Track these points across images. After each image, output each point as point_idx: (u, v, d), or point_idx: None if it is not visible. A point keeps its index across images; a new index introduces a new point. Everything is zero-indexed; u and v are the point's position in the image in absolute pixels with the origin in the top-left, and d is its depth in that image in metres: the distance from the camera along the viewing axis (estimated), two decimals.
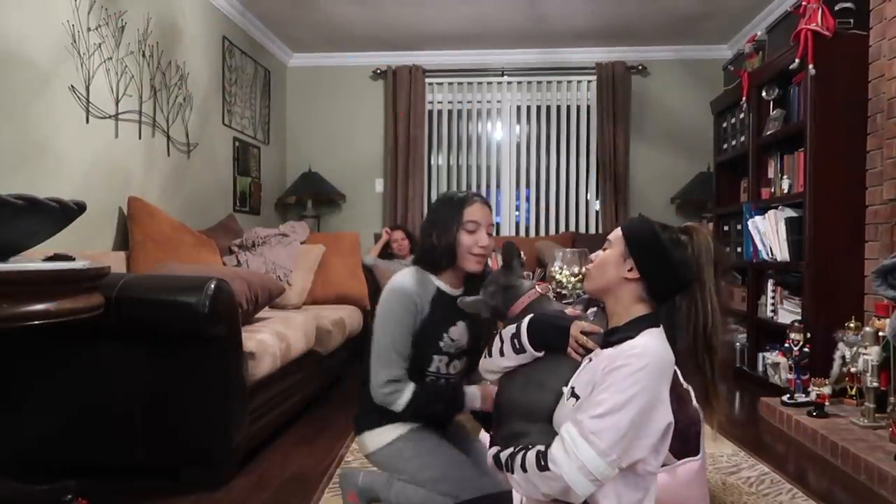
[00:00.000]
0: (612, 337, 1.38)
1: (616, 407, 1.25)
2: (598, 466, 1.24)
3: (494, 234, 1.95)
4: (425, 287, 1.76)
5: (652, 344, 1.32)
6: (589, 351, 1.42)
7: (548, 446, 1.30)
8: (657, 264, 1.36)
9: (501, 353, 1.51)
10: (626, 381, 1.26)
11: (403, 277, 1.78)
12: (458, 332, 1.77)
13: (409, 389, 1.71)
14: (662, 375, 1.29)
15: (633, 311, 1.39)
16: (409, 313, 1.72)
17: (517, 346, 1.47)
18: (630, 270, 1.38)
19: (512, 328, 1.51)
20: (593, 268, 1.45)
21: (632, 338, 1.33)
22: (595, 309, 1.59)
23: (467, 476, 1.72)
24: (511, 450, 1.36)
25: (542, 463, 1.27)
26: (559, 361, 1.46)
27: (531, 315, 1.50)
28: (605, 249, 1.44)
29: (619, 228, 1.44)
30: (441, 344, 1.75)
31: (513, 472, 1.34)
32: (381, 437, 1.79)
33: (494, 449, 1.42)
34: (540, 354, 1.46)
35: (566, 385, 1.41)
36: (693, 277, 1.35)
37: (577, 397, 1.34)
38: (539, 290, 1.60)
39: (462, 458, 1.78)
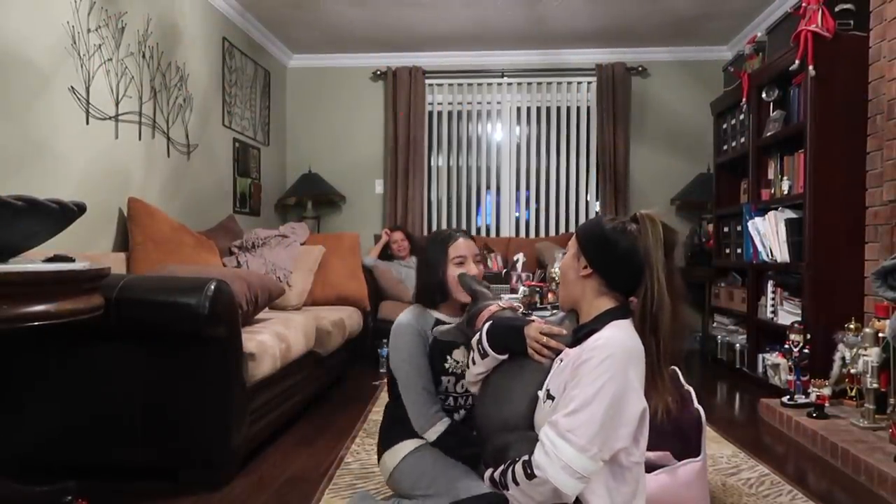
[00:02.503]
0: (580, 333, 1.42)
1: (587, 401, 1.26)
2: (580, 463, 1.25)
3: (483, 251, 2.13)
4: (425, 319, 1.91)
5: (615, 334, 1.35)
6: (555, 352, 1.45)
7: (531, 454, 1.31)
8: (605, 256, 1.42)
9: (474, 362, 1.57)
10: (592, 374, 1.28)
11: (402, 315, 1.93)
12: (461, 354, 1.87)
13: (441, 424, 1.84)
14: (629, 363, 1.31)
15: (600, 307, 1.43)
16: (417, 344, 1.86)
17: (481, 351, 1.54)
18: (585, 268, 1.43)
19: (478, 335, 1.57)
20: (559, 276, 1.52)
21: (597, 331, 1.37)
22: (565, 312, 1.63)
23: (465, 488, 1.75)
24: (502, 467, 1.37)
25: (529, 471, 1.29)
26: (522, 366, 1.49)
27: (491, 321, 1.57)
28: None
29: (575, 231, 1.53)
30: (447, 365, 1.87)
31: (508, 489, 1.35)
32: (398, 453, 1.88)
33: (489, 471, 1.44)
34: (503, 357, 1.52)
35: (535, 388, 1.44)
36: (643, 262, 1.38)
37: (553, 398, 1.36)
38: (501, 304, 1.67)
39: (466, 471, 1.82)
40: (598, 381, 1.27)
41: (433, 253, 1.92)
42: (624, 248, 1.40)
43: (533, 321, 1.53)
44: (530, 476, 1.28)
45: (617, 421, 1.28)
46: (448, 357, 1.87)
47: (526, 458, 1.31)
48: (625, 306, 1.42)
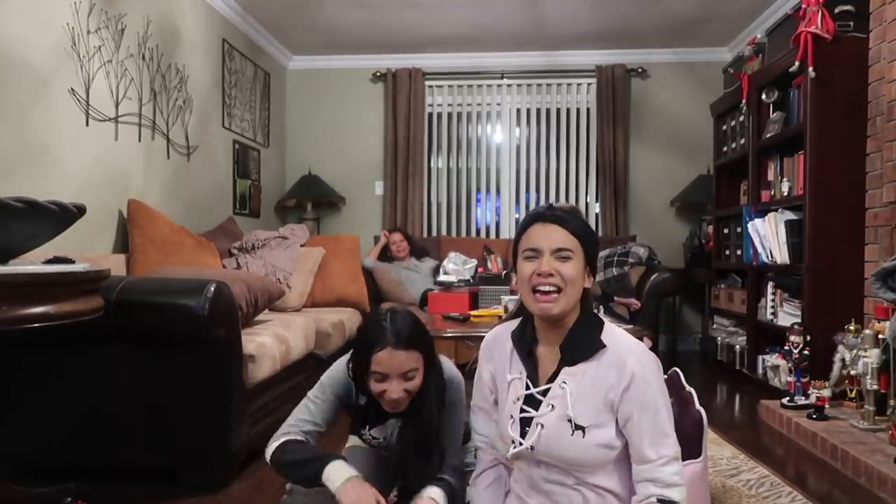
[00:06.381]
0: (583, 351, 1.38)
1: (670, 421, 1.34)
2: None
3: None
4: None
5: (630, 342, 1.38)
6: None
7: (659, 496, 1.30)
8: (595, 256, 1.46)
9: None
10: (659, 397, 1.33)
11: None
12: (378, 432, 1.77)
13: (282, 438, 1.67)
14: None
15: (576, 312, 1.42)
16: (325, 397, 1.75)
17: None
18: (588, 276, 1.42)
19: None
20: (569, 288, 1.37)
21: (600, 345, 1.36)
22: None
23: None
24: None
25: None
26: None
27: None
28: (565, 260, 1.36)
29: (570, 234, 1.38)
30: (362, 432, 1.80)
31: None
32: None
33: None
34: None
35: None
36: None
37: (583, 428, 1.34)
38: None
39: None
40: (663, 398, 1.34)
41: (358, 353, 1.64)
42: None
43: None
44: None
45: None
46: (364, 430, 1.77)
47: (655, 497, 1.29)
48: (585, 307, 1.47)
